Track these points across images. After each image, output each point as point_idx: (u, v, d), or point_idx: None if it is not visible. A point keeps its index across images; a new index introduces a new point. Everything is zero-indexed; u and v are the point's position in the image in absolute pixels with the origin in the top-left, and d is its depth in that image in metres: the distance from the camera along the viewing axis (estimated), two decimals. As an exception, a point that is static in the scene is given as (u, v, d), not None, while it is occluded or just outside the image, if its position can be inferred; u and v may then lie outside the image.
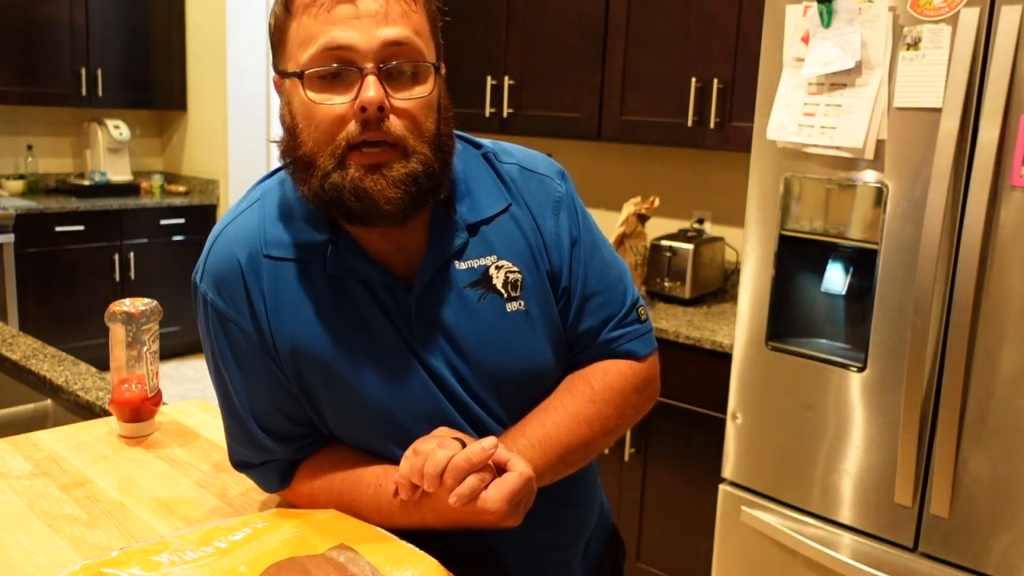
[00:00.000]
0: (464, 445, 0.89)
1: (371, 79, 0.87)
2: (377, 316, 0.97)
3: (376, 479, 0.99)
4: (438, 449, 0.88)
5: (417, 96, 0.90)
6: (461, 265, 0.99)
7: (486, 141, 1.08)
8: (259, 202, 1.01)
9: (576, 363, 1.07)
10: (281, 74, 0.94)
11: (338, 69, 0.88)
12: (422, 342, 0.98)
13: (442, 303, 0.99)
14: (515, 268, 1.01)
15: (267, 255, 0.97)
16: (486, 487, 0.87)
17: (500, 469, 0.90)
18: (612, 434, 1.06)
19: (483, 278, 1.00)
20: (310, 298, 0.97)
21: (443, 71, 0.96)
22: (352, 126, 0.88)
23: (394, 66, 0.89)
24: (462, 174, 1.02)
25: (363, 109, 0.87)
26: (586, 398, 1.03)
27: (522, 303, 1.01)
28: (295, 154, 0.92)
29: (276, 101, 0.99)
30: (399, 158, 0.90)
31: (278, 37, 0.93)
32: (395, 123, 0.89)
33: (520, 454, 0.94)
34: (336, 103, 0.88)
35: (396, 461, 0.95)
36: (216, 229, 1.02)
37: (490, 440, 0.88)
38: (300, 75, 0.89)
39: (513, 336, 1.00)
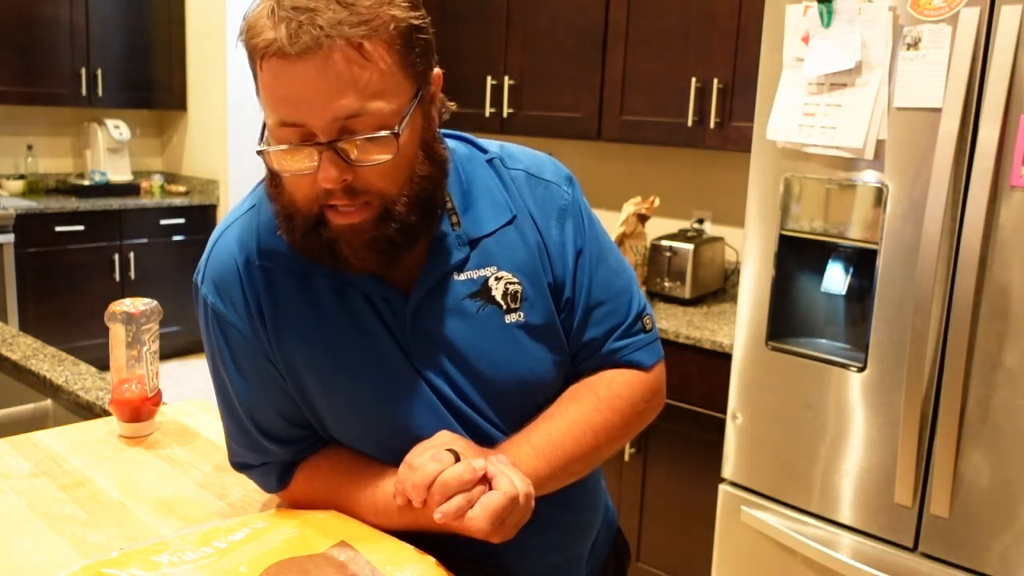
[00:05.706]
0: (458, 458, 0.88)
1: (325, 159, 0.83)
2: (375, 326, 0.97)
3: (373, 480, 0.99)
4: (429, 461, 0.88)
5: (377, 162, 0.85)
6: (460, 276, 0.98)
7: (492, 145, 1.06)
8: (255, 209, 1.00)
9: (580, 372, 1.06)
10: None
11: (297, 145, 0.84)
12: (419, 353, 0.98)
13: (440, 315, 0.98)
14: (515, 279, 1.00)
15: (261, 265, 0.97)
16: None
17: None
18: (617, 443, 1.05)
19: (482, 289, 0.99)
20: (309, 305, 0.97)
21: (438, 78, 0.92)
22: (322, 192, 0.86)
23: (348, 140, 0.84)
24: (466, 184, 1.00)
25: None
26: (592, 407, 1.02)
27: (521, 315, 1.00)
28: (277, 201, 0.91)
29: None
30: (373, 215, 0.88)
31: (251, 65, 0.87)
32: (362, 183, 0.86)
33: (523, 462, 0.94)
34: (303, 173, 0.86)
35: (393, 466, 0.95)
36: (217, 231, 1.01)
37: (480, 461, 0.87)
38: (268, 143, 0.86)
39: (511, 347, 1.00)
